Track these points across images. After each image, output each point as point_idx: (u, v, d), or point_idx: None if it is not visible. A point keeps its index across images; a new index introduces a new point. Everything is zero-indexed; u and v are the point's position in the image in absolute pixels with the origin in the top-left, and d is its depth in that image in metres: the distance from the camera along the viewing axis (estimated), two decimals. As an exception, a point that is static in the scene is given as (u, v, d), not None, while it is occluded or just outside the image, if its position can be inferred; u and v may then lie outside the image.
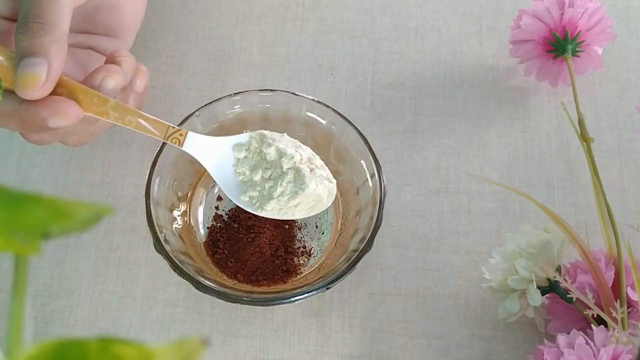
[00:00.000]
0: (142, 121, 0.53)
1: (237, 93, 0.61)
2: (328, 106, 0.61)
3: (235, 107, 0.62)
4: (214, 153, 0.56)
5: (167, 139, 0.54)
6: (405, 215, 0.63)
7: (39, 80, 0.48)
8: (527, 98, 0.69)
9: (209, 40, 0.72)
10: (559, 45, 0.64)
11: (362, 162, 0.59)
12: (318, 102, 0.61)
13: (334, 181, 0.58)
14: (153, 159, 0.58)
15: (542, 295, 0.52)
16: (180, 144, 0.54)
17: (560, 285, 0.52)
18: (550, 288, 0.53)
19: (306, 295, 0.54)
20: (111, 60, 0.55)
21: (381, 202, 0.56)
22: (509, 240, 0.54)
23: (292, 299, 0.54)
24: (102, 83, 0.52)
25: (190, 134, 0.55)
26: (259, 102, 0.62)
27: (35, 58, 0.48)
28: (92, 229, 0.60)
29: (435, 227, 0.63)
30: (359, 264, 0.54)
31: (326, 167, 0.58)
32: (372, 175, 0.58)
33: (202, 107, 0.60)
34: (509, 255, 0.54)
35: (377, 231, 0.55)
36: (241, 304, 0.54)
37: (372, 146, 0.59)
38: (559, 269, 0.53)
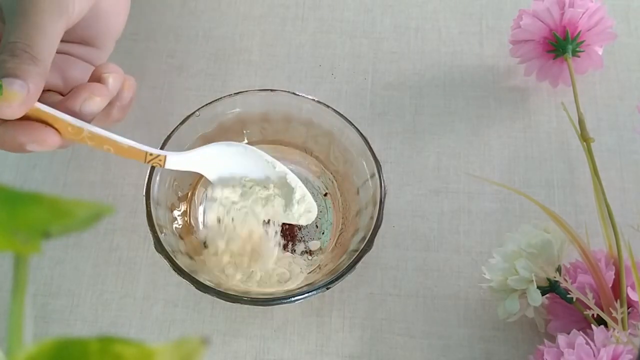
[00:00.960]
0: (120, 147, 0.53)
1: (237, 93, 0.61)
2: (328, 106, 0.60)
3: (236, 107, 0.62)
4: (200, 161, 0.58)
5: (147, 163, 0.55)
6: (405, 215, 0.63)
7: (17, 98, 0.47)
8: (527, 98, 0.69)
9: (209, 40, 0.72)
10: (559, 45, 0.64)
11: (363, 162, 0.59)
12: (318, 102, 0.61)
13: (315, 209, 0.60)
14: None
15: (542, 295, 0.52)
16: (162, 165, 0.55)
17: (561, 285, 0.52)
18: (550, 288, 0.53)
19: (306, 295, 0.54)
20: (97, 76, 0.53)
21: (381, 202, 0.56)
22: (509, 240, 0.54)
23: (292, 299, 0.54)
24: (82, 107, 0.51)
25: (169, 156, 0.55)
26: (259, 102, 0.62)
27: (19, 80, 0.48)
28: (92, 229, 0.60)
29: (435, 227, 0.63)
30: (359, 264, 0.54)
31: (307, 197, 0.60)
32: (372, 175, 0.58)
33: (202, 107, 0.60)
34: (509, 255, 0.54)
35: (377, 231, 0.55)
36: (241, 303, 0.54)
37: (372, 146, 0.59)
38: (559, 269, 0.53)
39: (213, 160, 0.58)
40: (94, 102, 0.52)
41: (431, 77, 0.70)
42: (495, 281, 0.54)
